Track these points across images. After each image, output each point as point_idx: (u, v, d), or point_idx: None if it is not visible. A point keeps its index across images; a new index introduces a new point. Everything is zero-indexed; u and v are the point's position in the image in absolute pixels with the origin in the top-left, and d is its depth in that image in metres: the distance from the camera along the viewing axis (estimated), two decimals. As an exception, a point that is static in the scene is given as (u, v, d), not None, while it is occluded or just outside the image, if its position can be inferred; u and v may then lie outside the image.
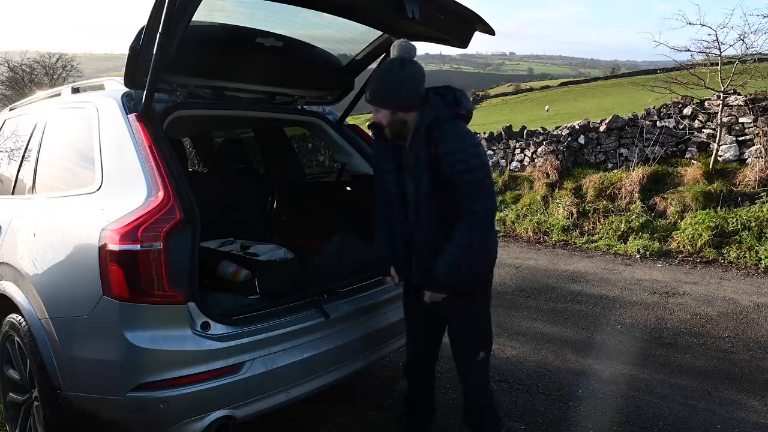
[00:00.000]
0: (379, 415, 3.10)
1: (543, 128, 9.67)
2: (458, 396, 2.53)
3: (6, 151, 3.33)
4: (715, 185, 6.98)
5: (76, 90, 3.06)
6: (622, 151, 8.36)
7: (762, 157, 6.91)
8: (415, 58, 2.21)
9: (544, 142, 9.10)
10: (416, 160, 2.20)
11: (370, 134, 2.49)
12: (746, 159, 7.17)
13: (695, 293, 5.14)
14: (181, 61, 2.31)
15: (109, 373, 2.07)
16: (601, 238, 7.24)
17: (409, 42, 2.24)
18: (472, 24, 2.73)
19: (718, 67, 7.35)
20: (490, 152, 10.12)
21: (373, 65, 3.17)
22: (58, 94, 3.19)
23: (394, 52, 2.22)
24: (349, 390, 3.32)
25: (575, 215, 7.82)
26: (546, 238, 7.77)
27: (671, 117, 8.00)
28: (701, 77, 7.54)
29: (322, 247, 3.14)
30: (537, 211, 8.29)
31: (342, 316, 2.52)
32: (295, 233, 3.70)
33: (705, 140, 7.69)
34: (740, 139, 7.29)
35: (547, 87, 51.82)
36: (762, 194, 6.61)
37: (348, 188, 3.60)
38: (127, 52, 2.20)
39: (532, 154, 9.37)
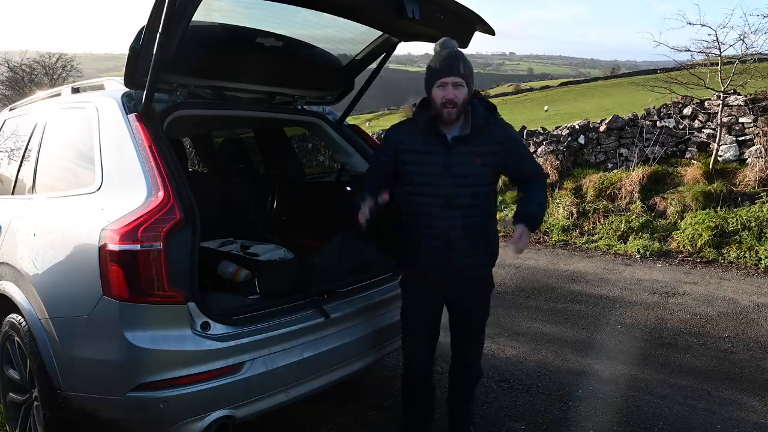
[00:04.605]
0: (379, 415, 3.10)
1: (543, 128, 9.66)
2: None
3: (6, 151, 3.33)
4: (715, 185, 6.98)
5: (76, 90, 3.06)
6: (622, 151, 8.36)
7: (762, 157, 6.91)
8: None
9: (544, 142, 9.10)
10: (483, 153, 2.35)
11: (419, 126, 2.40)
12: (746, 159, 7.17)
13: (695, 293, 5.14)
14: (181, 61, 2.31)
15: (109, 373, 2.07)
16: (601, 238, 7.24)
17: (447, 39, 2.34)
18: (472, 24, 2.73)
19: (718, 67, 7.34)
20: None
21: (374, 65, 3.18)
22: (58, 94, 3.19)
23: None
24: (349, 390, 3.32)
25: (575, 215, 7.82)
26: (546, 238, 7.77)
27: (671, 117, 8.00)
28: (701, 77, 7.54)
29: (322, 247, 3.14)
30: (537, 211, 8.29)
31: (342, 316, 2.52)
32: (295, 233, 3.70)
33: (705, 140, 7.69)
34: (740, 139, 7.29)
35: (547, 87, 51.73)
36: (762, 194, 6.61)
37: (348, 188, 3.60)
38: (127, 52, 2.20)
39: (532, 154, 9.38)
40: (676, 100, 7.99)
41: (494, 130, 2.37)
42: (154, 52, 2.07)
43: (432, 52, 2.40)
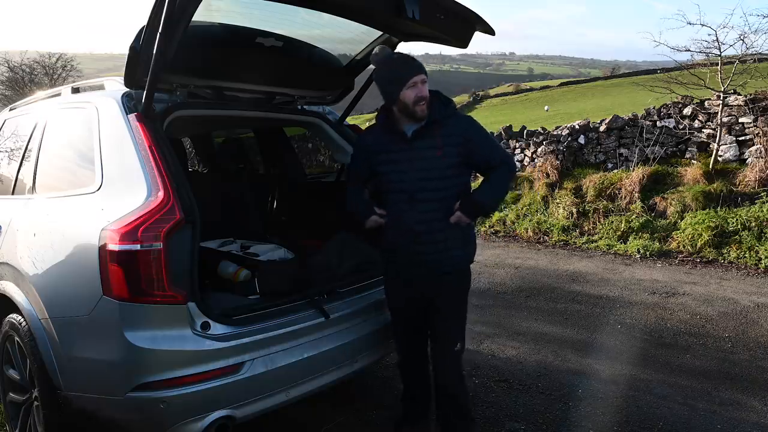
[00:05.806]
0: (379, 415, 3.10)
1: (543, 128, 9.66)
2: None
3: (6, 151, 3.33)
4: (715, 185, 6.98)
5: (76, 90, 3.06)
6: (622, 151, 8.36)
7: (762, 157, 6.91)
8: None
9: (544, 142, 9.10)
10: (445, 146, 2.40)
11: (382, 128, 2.52)
12: (746, 159, 7.17)
13: (695, 293, 5.14)
14: (181, 61, 2.31)
15: (109, 373, 2.07)
16: (601, 238, 7.24)
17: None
18: (472, 24, 2.73)
19: (718, 67, 7.34)
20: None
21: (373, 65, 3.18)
22: (58, 94, 3.19)
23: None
24: (349, 390, 3.32)
25: (575, 215, 7.82)
26: (546, 238, 7.77)
27: (671, 117, 8.00)
28: (701, 77, 7.54)
29: (322, 247, 3.14)
30: (537, 211, 8.29)
31: (342, 316, 2.52)
32: (295, 233, 3.70)
33: (705, 140, 7.69)
34: (740, 139, 7.29)
35: (547, 87, 51.76)
36: (762, 194, 6.61)
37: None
38: (127, 52, 2.20)
39: (532, 154, 9.37)
40: (676, 100, 7.99)
41: (453, 123, 2.44)
42: (154, 52, 2.07)
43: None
